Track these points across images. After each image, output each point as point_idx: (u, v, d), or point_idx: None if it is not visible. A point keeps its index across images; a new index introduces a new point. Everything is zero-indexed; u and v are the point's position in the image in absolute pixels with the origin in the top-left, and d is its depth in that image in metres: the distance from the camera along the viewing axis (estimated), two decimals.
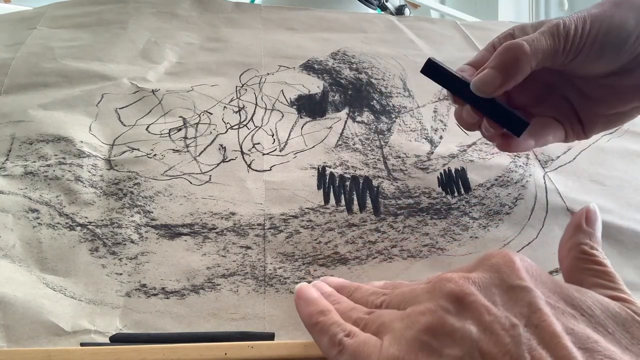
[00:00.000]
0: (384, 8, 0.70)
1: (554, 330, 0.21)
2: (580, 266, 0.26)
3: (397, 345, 0.23)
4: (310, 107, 0.48)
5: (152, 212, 0.37)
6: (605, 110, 0.36)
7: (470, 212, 0.40)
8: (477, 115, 0.36)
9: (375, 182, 0.41)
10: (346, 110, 0.48)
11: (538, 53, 0.32)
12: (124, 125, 0.44)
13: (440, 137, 0.46)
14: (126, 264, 0.34)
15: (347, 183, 0.41)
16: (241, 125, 0.45)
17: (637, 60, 0.33)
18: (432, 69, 0.35)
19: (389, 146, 0.45)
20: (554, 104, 0.37)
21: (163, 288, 0.33)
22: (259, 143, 0.44)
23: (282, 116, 0.46)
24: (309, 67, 0.53)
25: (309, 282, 0.34)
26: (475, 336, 0.22)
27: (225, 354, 0.28)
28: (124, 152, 0.41)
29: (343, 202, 0.39)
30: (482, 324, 0.22)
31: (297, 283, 0.34)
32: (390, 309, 0.27)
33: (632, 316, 0.22)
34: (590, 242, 0.26)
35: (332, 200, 0.39)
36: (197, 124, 0.45)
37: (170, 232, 0.36)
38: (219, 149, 0.43)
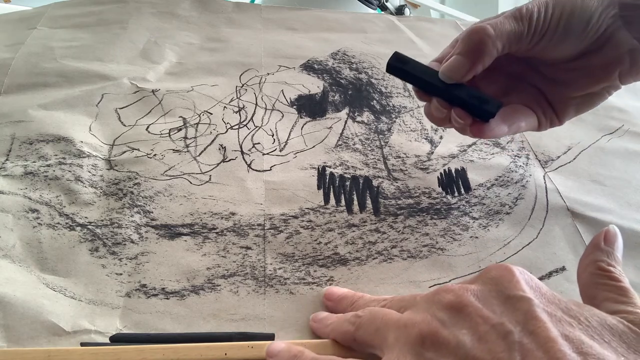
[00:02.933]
0: (384, 8, 0.70)
1: (549, 335, 0.21)
2: (595, 281, 0.26)
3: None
4: (310, 107, 0.48)
5: (152, 212, 0.37)
6: (576, 92, 0.36)
7: (471, 212, 0.40)
8: (446, 108, 0.34)
9: (375, 182, 0.41)
10: (346, 110, 0.48)
11: (503, 35, 0.31)
12: (124, 125, 0.44)
13: (441, 137, 0.46)
14: (126, 264, 0.34)
15: (347, 183, 0.41)
16: (241, 125, 0.45)
17: (601, 39, 0.33)
18: (400, 63, 0.34)
19: (389, 146, 0.45)
20: (523, 92, 0.37)
21: (163, 288, 0.33)
22: (259, 143, 0.44)
23: (282, 116, 0.46)
24: (309, 67, 0.53)
25: (308, 282, 0.34)
26: (469, 345, 0.22)
27: (225, 354, 0.28)
28: (124, 152, 0.41)
29: (343, 202, 0.39)
30: (477, 333, 0.23)
31: (297, 284, 0.34)
32: (386, 309, 0.28)
33: (630, 327, 0.22)
34: (608, 259, 0.27)
35: (332, 201, 0.39)
36: (197, 124, 0.45)
37: (170, 232, 0.36)
38: (219, 149, 0.42)
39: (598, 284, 0.26)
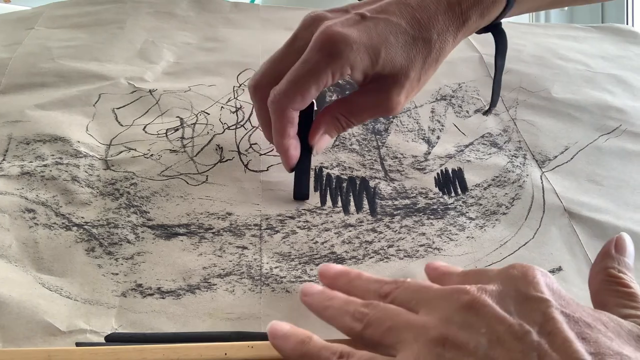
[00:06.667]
0: None
1: (566, 336, 0.22)
2: (606, 288, 0.27)
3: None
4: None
5: (149, 212, 0.37)
6: None
7: (467, 212, 0.40)
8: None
9: (372, 183, 0.41)
10: None
11: None
12: (121, 125, 0.44)
13: (438, 138, 0.46)
14: (122, 264, 0.34)
15: (344, 184, 0.41)
16: (238, 126, 0.45)
17: None
18: None
19: (386, 147, 0.45)
20: None
21: (159, 288, 0.33)
22: (256, 143, 0.44)
23: None
24: None
25: (305, 281, 0.34)
26: (487, 346, 0.22)
27: (225, 354, 0.28)
28: (121, 152, 0.41)
29: (340, 204, 0.39)
30: (494, 334, 0.23)
31: (293, 282, 0.34)
32: (396, 305, 0.27)
33: None
34: (618, 266, 0.27)
35: (329, 202, 0.39)
36: (194, 124, 0.45)
37: (167, 232, 0.36)
38: (216, 149, 0.43)
39: (609, 291, 0.26)
